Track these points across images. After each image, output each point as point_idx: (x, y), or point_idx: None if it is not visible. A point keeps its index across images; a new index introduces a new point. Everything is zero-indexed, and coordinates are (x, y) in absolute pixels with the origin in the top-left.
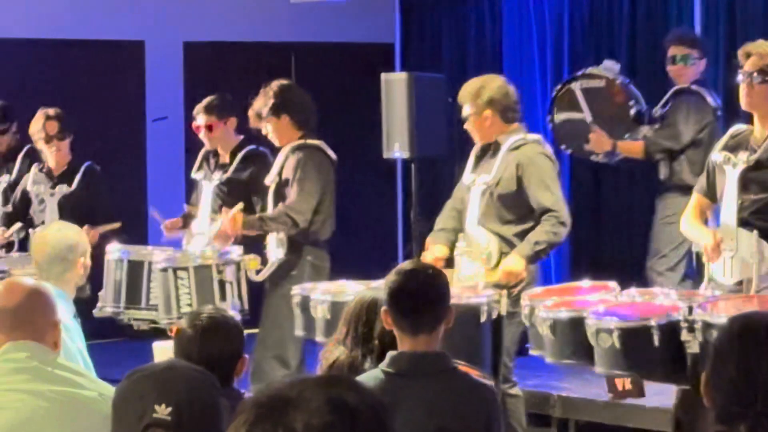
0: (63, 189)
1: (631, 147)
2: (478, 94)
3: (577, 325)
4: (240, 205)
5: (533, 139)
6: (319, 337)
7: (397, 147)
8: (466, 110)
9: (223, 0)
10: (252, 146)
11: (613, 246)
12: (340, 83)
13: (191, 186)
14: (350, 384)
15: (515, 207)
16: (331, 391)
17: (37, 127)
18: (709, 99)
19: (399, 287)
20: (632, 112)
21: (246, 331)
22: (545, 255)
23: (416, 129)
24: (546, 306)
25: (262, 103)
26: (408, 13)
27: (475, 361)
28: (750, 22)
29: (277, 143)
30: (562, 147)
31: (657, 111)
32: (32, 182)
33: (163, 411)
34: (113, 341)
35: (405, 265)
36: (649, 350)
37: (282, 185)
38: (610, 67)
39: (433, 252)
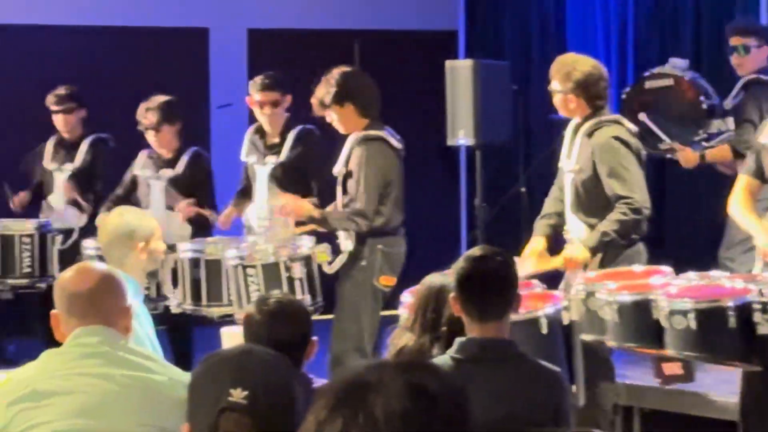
0: (168, 173)
1: (719, 153)
2: (569, 75)
3: (642, 307)
4: (313, 200)
5: (608, 121)
6: None
7: (461, 134)
8: (554, 86)
9: None
10: (301, 126)
11: (678, 235)
12: (404, 71)
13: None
14: (430, 369)
15: (596, 195)
16: (411, 376)
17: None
18: None
19: (468, 273)
20: (704, 107)
21: (323, 317)
22: (617, 244)
23: (481, 116)
24: (609, 289)
25: (324, 90)
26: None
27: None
28: None
29: (342, 131)
30: None
31: (728, 103)
32: (141, 167)
33: (238, 395)
34: None
35: (474, 251)
36: (725, 332)
37: (348, 176)
38: (677, 65)
39: (530, 246)
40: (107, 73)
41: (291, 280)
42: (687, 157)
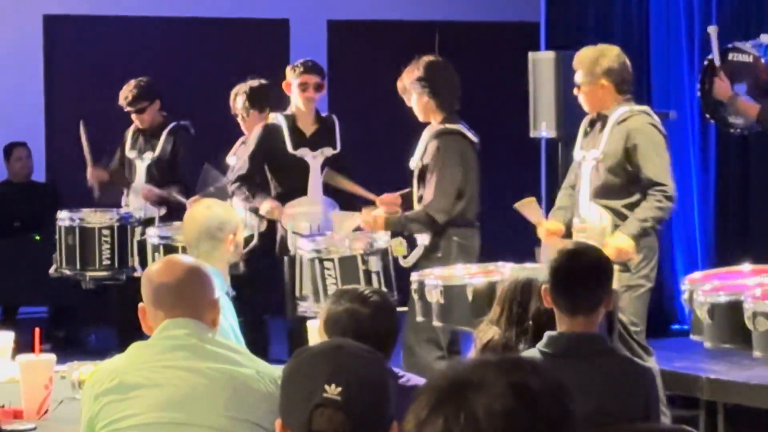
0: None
1: (747, 107)
2: (596, 62)
3: (735, 308)
4: (398, 199)
5: (640, 110)
6: (435, 322)
7: (543, 126)
8: (579, 78)
9: None
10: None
11: (763, 221)
12: (485, 62)
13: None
14: (533, 367)
15: (624, 179)
16: (514, 375)
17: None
18: None
19: (561, 266)
20: None
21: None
22: (653, 231)
23: (563, 108)
24: (704, 290)
25: (411, 77)
26: None
27: None
28: None
29: (420, 118)
30: (707, 116)
31: None
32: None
33: (333, 391)
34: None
35: (569, 244)
36: None
37: (425, 168)
38: (760, 44)
39: (548, 225)
40: (186, 65)
41: (368, 273)
42: (722, 87)
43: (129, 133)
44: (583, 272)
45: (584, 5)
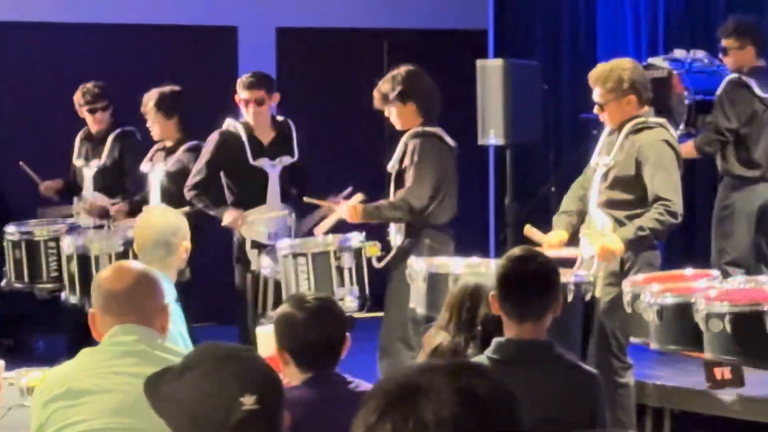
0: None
1: (686, 151)
2: (621, 77)
3: (684, 310)
4: (360, 196)
5: (656, 123)
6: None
7: (492, 134)
8: (600, 94)
9: None
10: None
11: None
12: (433, 70)
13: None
14: (481, 373)
15: (631, 191)
16: (461, 380)
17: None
18: (756, 89)
19: (509, 273)
20: (686, 102)
21: (371, 314)
22: (650, 242)
23: (511, 115)
24: (652, 292)
25: (390, 86)
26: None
27: (561, 344)
28: None
29: (398, 127)
30: None
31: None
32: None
33: (249, 401)
34: (209, 324)
35: (516, 251)
36: (761, 336)
37: (402, 171)
38: (676, 57)
39: (549, 239)
40: (136, 72)
41: (340, 270)
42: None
43: (77, 141)
44: (531, 279)
45: (532, 13)
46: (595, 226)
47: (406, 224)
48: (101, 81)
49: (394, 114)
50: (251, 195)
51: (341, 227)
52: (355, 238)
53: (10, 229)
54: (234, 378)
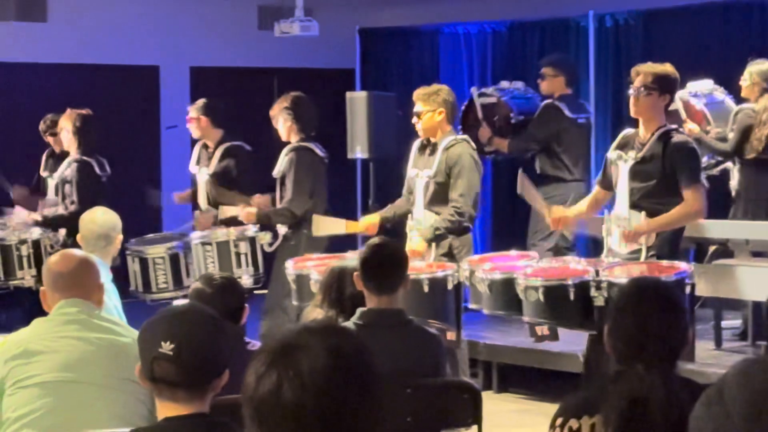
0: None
1: (500, 143)
2: (437, 94)
3: (508, 283)
4: (266, 197)
5: (463, 139)
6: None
7: (358, 149)
8: (420, 108)
9: (221, 32)
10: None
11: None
12: (313, 100)
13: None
14: (346, 334)
15: (444, 193)
16: (331, 340)
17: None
18: (566, 111)
19: (369, 257)
20: (512, 122)
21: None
22: (447, 236)
23: (373, 135)
24: (484, 269)
25: (282, 106)
26: (365, 44)
27: (443, 318)
28: (632, 50)
29: (283, 138)
30: None
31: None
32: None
33: (167, 347)
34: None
35: (374, 240)
36: (566, 303)
37: (284, 177)
38: (500, 87)
39: (366, 219)
40: (75, 103)
41: (238, 255)
42: (484, 132)
43: (44, 157)
44: (386, 261)
45: (389, 56)
46: (425, 223)
47: None
48: (41, 116)
49: (280, 125)
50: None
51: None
52: (251, 230)
53: None
54: (164, 327)
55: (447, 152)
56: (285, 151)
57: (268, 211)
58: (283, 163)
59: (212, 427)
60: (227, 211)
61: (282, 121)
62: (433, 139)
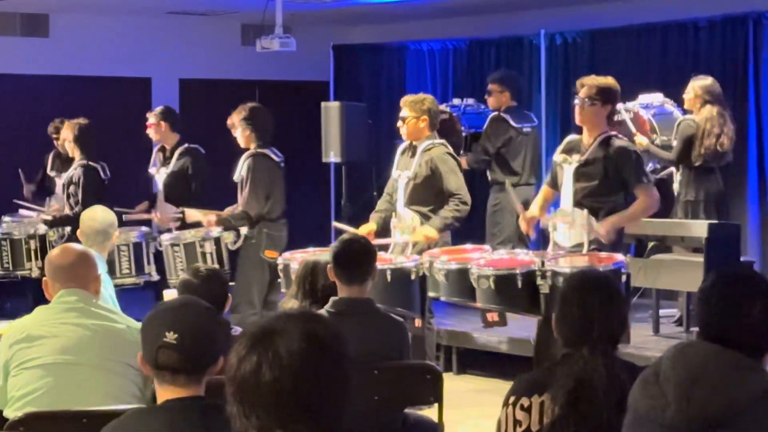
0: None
1: (460, 161)
2: (423, 102)
3: (463, 273)
4: (213, 217)
5: (440, 143)
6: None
7: (332, 154)
8: (406, 113)
9: (207, 47)
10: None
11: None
12: (292, 109)
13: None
14: (320, 320)
15: (429, 192)
16: (306, 325)
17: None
18: (511, 121)
19: (340, 251)
20: (464, 134)
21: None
22: (453, 226)
23: (346, 141)
24: (442, 260)
25: (238, 116)
26: (339, 59)
27: (408, 307)
28: (579, 65)
29: (241, 145)
30: None
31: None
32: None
33: (171, 337)
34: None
35: (345, 236)
36: (515, 290)
37: (242, 181)
38: (453, 103)
39: (365, 227)
40: (75, 112)
41: (204, 254)
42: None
43: (49, 157)
44: (356, 254)
45: (360, 71)
46: (406, 221)
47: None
48: (39, 121)
49: (239, 135)
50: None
51: None
52: (215, 231)
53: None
54: (168, 318)
55: (426, 154)
56: (243, 157)
57: (228, 216)
58: (241, 168)
59: (207, 409)
60: (192, 216)
61: (240, 130)
62: (415, 143)
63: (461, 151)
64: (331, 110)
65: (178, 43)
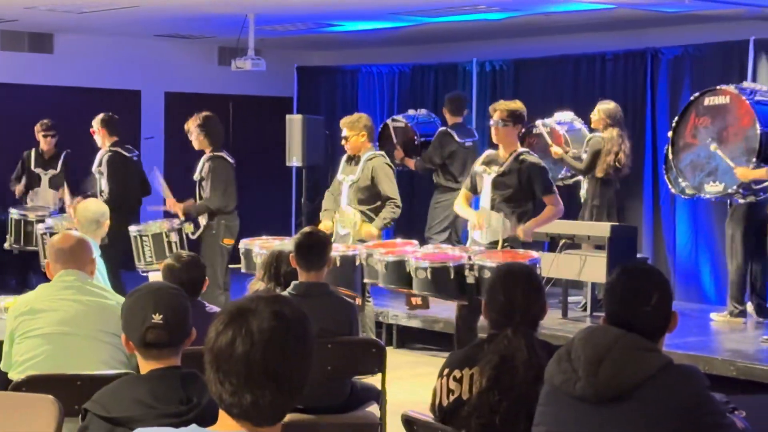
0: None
1: (409, 162)
2: (359, 121)
3: (400, 264)
4: (180, 204)
5: (380, 153)
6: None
7: (294, 159)
8: (346, 133)
9: (189, 66)
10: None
11: (420, 222)
12: (260, 120)
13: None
14: (287, 301)
15: (369, 194)
16: (275, 305)
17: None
18: (456, 136)
19: (301, 241)
20: (416, 143)
21: None
22: (389, 225)
23: (306, 148)
24: (380, 253)
25: (193, 123)
26: (301, 78)
27: (351, 287)
28: (505, 89)
29: (196, 147)
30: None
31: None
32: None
33: (157, 318)
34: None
35: (306, 229)
36: (447, 280)
37: (202, 180)
38: (408, 115)
39: (324, 225)
40: (72, 118)
41: (170, 244)
42: (398, 154)
43: (32, 155)
44: (314, 244)
45: (319, 89)
46: (349, 217)
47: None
48: (29, 132)
49: (194, 138)
50: None
51: None
52: (177, 222)
53: (13, 211)
54: (149, 302)
55: (368, 163)
56: (203, 159)
57: (191, 206)
58: (202, 169)
59: (185, 376)
60: (169, 204)
61: (195, 134)
62: (357, 154)
63: (417, 157)
64: (294, 122)
65: (165, 62)
